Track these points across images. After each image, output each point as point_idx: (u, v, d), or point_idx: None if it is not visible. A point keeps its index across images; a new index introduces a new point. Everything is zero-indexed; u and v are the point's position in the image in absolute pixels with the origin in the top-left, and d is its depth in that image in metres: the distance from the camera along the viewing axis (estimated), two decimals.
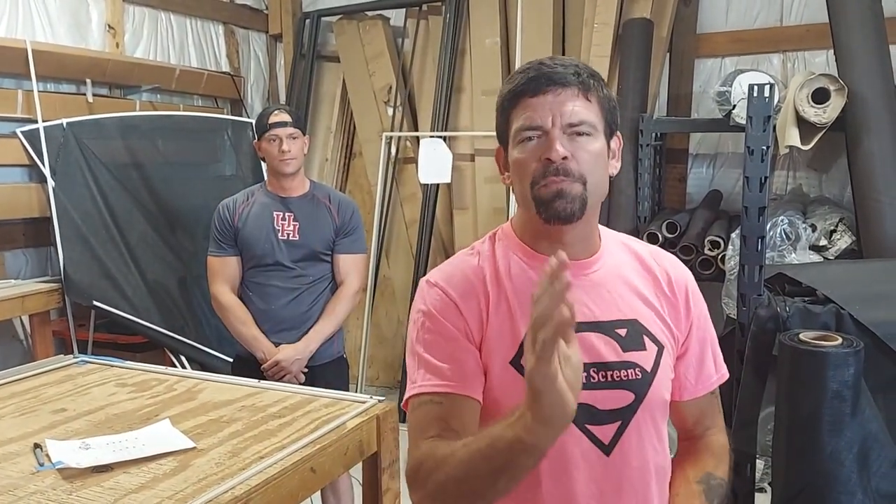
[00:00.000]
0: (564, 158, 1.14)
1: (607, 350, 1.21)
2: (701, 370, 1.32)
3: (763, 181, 1.85)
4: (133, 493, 1.49)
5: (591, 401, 1.19)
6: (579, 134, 1.16)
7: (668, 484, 1.32)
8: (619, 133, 1.26)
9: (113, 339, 3.66)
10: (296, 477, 1.65)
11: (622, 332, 1.22)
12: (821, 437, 1.70)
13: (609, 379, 1.21)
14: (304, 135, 2.80)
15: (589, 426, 1.21)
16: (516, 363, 1.20)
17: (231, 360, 3.60)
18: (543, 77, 1.16)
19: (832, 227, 3.33)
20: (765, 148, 1.84)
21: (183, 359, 3.61)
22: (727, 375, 1.36)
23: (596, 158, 1.18)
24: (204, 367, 3.51)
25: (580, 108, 1.16)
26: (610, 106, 1.22)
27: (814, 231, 3.32)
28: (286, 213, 2.73)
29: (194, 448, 1.72)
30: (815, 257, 3.26)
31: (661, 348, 1.25)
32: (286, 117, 2.72)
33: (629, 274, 1.28)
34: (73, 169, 3.58)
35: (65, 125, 3.58)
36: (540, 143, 1.16)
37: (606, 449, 1.22)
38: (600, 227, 1.31)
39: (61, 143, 3.55)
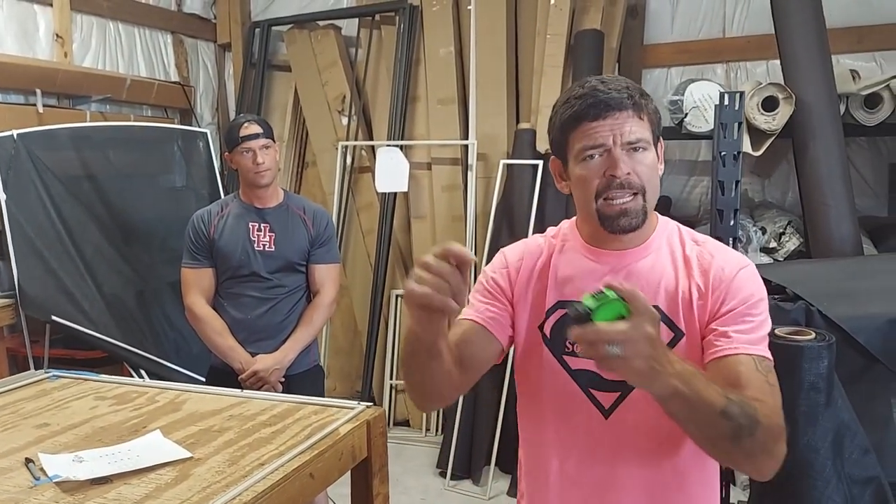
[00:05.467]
0: (628, 174, 1.31)
1: None
2: (722, 338, 1.36)
3: (736, 185, 1.93)
4: (137, 503, 1.48)
5: (596, 369, 1.37)
6: (636, 149, 1.33)
7: (687, 446, 1.41)
8: (661, 138, 1.41)
9: (70, 355, 3.57)
10: (297, 483, 1.66)
11: None
12: (797, 427, 1.77)
13: None
14: (275, 142, 2.79)
15: (592, 390, 1.42)
16: (541, 328, 1.45)
17: (189, 372, 3.58)
18: (602, 103, 1.30)
19: (781, 230, 3.47)
20: (736, 153, 1.92)
21: (143, 373, 3.55)
22: (766, 358, 1.36)
23: (651, 169, 1.35)
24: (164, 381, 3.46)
25: (636, 128, 1.32)
26: (657, 118, 1.38)
27: (764, 234, 3.45)
28: (262, 224, 2.72)
29: (191, 458, 1.71)
30: (766, 259, 3.39)
31: (678, 335, 1.38)
32: (257, 128, 2.71)
33: (666, 267, 1.41)
34: (24, 181, 3.47)
35: (15, 136, 3.47)
36: (602, 160, 1.33)
37: (606, 412, 1.42)
38: (663, 219, 1.47)
39: (12, 155, 3.45)
